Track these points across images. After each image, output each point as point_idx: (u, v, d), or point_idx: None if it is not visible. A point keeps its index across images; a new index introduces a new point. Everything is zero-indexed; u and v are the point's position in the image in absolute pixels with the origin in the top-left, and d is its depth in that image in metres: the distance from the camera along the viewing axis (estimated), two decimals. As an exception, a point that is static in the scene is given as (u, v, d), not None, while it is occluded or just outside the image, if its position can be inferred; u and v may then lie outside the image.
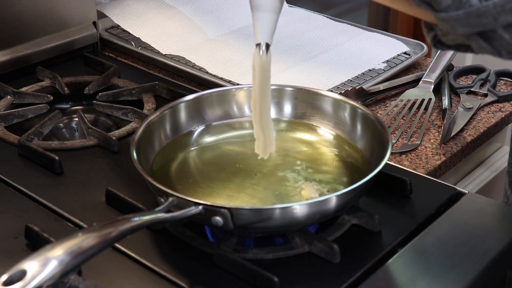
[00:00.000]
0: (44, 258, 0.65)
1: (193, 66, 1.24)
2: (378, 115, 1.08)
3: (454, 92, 1.21)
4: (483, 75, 1.24)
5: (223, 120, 0.98)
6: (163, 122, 0.94)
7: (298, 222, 0.78)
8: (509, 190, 1.02)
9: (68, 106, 1.14)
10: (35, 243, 0.79)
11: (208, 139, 0.96)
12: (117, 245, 0.80)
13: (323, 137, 0.96)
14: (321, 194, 0.85)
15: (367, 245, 0.82)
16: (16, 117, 1.06)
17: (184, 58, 1.26)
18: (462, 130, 1.10)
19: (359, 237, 0.82)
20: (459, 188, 0.91)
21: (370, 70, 1.24)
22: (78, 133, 1.11)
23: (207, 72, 1.22)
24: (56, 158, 0.94)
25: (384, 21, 2.47)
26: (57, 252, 0.65)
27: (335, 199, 0.78)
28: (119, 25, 1.35)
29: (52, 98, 1.10)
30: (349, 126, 0.95)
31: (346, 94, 1.12)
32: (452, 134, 1.08)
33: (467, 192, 0.90)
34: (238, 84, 1.15)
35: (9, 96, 1.11)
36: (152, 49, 1.29)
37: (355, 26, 1.38)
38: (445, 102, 1.15)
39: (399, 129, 1.09)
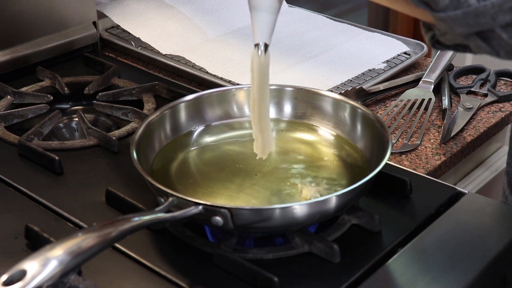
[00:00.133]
0: (44, 258, 0.65)
1: (193, 66, 1.24)
2: (378, 115, 1.08)
3: (454, 92, 1.21)
4: (483, 75, 1.24)
5: (223, 120, 0.98)
6: (163, 122, 0.94)
7: (298, 222, 0.78)
8: (507, 189, 1.02)
9: (68, 106, 1.14)
10: (35, 243, 0.79)
11: (208, 139, 0.96)
12: (117, 245, 0.80)
13: (323, 137, 0.96)
14: (321, 194, 0.85)
15: (367, 245, 0.82)
16: (16, 117, 1.06)
17: (184, 58, 1.26)
18: (462, 130, 1.10)
19: (359, 237, 0.82)
20: (459, 188, 0.91)
21: (370, 70, 1.24)
22: (78, 133, 1.11)
23: (207, 72, 1.22)
24: (56, 158, 0.94)
25: (384, 21, 2.47)
26: (57, 252, 0.65)
27: (335, 199, 0.78)
28: (119, 25, 1.35)
29: (52, 98, 1.10)
30: (349, 126, 0.95)
31: (346, 94, 1.12)
32: (452, 134, 1.08)
33: (467, 192, 0.90)
34: (238, 84, 1.15)
35: (9, 96, 1.11)
36: (152, 49, 1.29)
37: (355, 26, 1.38)
38: (445, 102, 1.15)
39: (399, 129, 1.09)
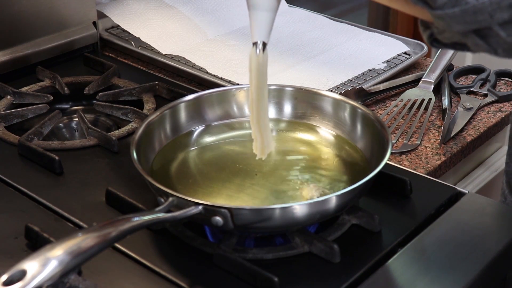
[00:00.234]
0: (44, 258, 0.65)
1: (193, 66, 1.24)
2: (378, 115, 1.08)
3: (454, 92, 1.21)
4: (483, 75, 1.24)
5: (223, 120, 0.98)
6: (163, 122, 0.94)
7: (298, 222, 0.78)
8: (506, 189, 1.02)
9: (68, 106, 1.14)
10: (35, 243, 0.79)
11: (208, 139, 0.96)
12: (117, 245, 0.80)
13: (323, 137, 0.96)
14: (321, 194, 0.85)
15: (367, 245, 0.82)
16: (16, 117, 1.06)
17: (184, 58, 1.26)
18: (462, 130, 1.10)
19: (359, 237, 0.82)
20: (459, 188, 0.91)
21: (370, 70, 1.24)
22: (78, 133, 1.11)
23: (207, 72, 1.22)
24: (56, 158, 0.94)
25: (384, 21, 2.47)
26: (57, 252, 0.65)
27: (335, 199, 0.78)
28: (119, 25, 1.35)
29: (52, 98, 1.10)
30: (349, 126, 0.95)
31: (346, 94, 1.12)
32: (452, 134, 1.08)
33: (467, 192, 0.90)
34: (238, 84, 1.15)
35: (9, 96, 1.11)
36: (152, 49, 1.29)
37: (355, 26, 1.38)
38: (445, 102, 1.15)
39: (399, 129, 1.09)
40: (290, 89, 0.99)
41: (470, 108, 1.15)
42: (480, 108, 1.16)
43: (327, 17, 1.42)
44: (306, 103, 0.98)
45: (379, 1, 0.75)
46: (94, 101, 1.10)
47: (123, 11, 1.36)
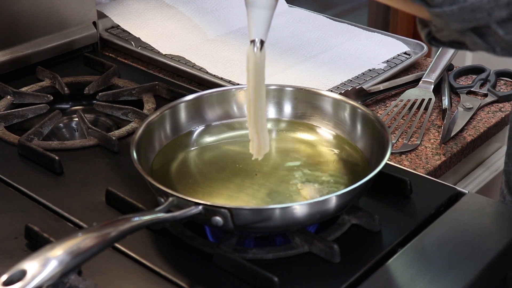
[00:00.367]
0: (44, 258, 0.65)
1: (193, 66, 1.24)
2: (378, 115, 1.08)
3: (454, 92, 1.21)
4: (483, 75, 1.24)
5: (223, 120, 0.98)
6: (163, 122, 0.94)
7: (298, 222, 0.78)
8: (505, 189, 1.02)
9: (68, 106, 1.14)
10: (35, 243, 0.79)
11: (208, 139, 0.96)
12: (117, 245, 0.80)
13: (323, 137, 0.96)
14: (321, 194, 0.85)
15: (367, 245, 0.82)
16: (16, 117, 1.06)
17: (184, 58, 1.26)
18: (462, 130, 1.10)
19: (359, 237, 0.82)
20: (459, 188, 0.91)
21: (370, 70, 1.24)
22: (78, 133, 1.11)
23: (207, 72, 1.22)
24: (56, 158, 0.94)
25: (384, 21, 2.47)
26: (57, 252, 0.65)
27: (335, 199, 0.78)
28: (119, 25, 1.35)
29: (52, 98, 1.10)
30: (349, 126, 0.95)
31: (346, 94, 1.12)
32: (452, 134, 1.08)
33: (467, 192, 0.90)
34: (238, 84, 1.15)
35: (9, 96, 1.11)
36: (152, 49, 1.29)
37: (355, 26, 1.38)
38: (445, 102, 1.15)
39: (399, 129, 1.09)
40: (290, 89, 0.99)
41: (470, 108, 1.15)
42: (480, 108, 1.16)
43: (327, 17, 1.42)
44: (306, 103, 0.98)
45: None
46: (94, 101, 1.10)
47: (123, 11, 1.36)
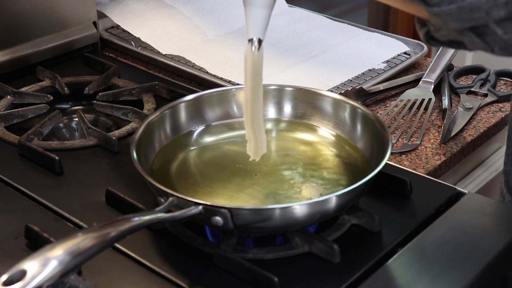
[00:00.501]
0: (44, 258, 0.65)
1: (193, 66, 1.24)
2: (378, 115, 1.08)
3: (454, 92, 1.21)
4: (483, 75, 1.24)
5: (223, 120, 0.98)
6: (163, 122, 0.94)
7: (298, 222, 0.78)
8: (505, 189, 1.02)
9: (68, 106, 1.14)
10: (35, 243, 0.79)
11: (208, 139, 0.96)
12: (117, 245, 0.80)
13: (323, 137, 0.96)
14: (321, 194, 0.85)
15: (367, 245, 0.82)
16: (16, 117, 1.06)
17: (184, 58, 1.26)
18: (462, 130, 1.10)
19: (359, 237, 0.82)
20: (459, 188, 0.91)
21: (370, 70, 1.24)
22: (78, 133, 1.11)
23: (207, 72, 1.22)
24: (56, 158, 0.94)
25: (384, 21, 2.47)
26: (57, 252, 0.65)
27: (335, 199, 0.78)
28: (119, 25, 1.35)
29: (52, 98, 1.10)
30: (349, 126, 0.95)
31: (346, 94, 1.12)
32: (452, 134, 1.08)
33: (467, 192, 0.90)
34: (238, 84, 1.15)
35: (9, 96, 1.11)
36: (152, 49, 1.29)
37: (355, 26, 1.38)
38: (445, 102, 1.15)
39: (399, 129, 1.09)
40: (290, 89, 0.99)
41: (470, 108, 1.15)
42: (480, 108, 1.16)
43: (327, 17, 1.42)
44: (306, 103, 0.98)
45: None
46: (94, 101, 1.10)
47: (123, 11, 1.36)
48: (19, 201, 0.89)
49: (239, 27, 1.36)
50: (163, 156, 0.92)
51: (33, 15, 1.20)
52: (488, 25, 0.65)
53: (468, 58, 2.22)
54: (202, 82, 1.21)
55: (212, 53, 1.27)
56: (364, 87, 1.16)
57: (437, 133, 1.09)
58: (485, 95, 1.19)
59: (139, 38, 1.31)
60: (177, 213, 0.76)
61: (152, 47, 1.29)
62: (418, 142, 1.06)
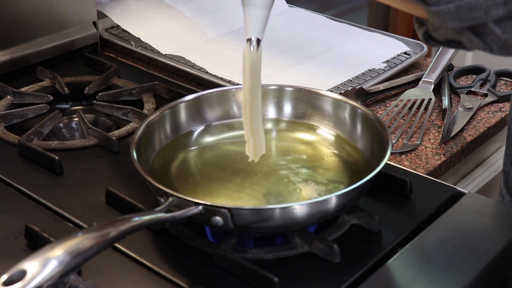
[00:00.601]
0: (44, 258, 0.65)
1: (193, 66, 1.24)
2: (378, 115, 1.08)
3: (454, 92, 1.21)
4: (483, 75, 1.24)
5: (223, 120, 0.98)
6: (163, 122, 0.94)
7: (298, 222, 0.78)
8: (504, 189, 1.02)
9: (68, 106, 1.14)
10: (35, 243, 0.79)
11: (208, 139, 0.96)
12: (117, 245, 0.80)
13: (323, 137, 0.96)
14: (320, 194, 0.85)
15: (367, 245, 0.82)
16: (16, 117, 1.06)
17: (184, 58, 1.26)
18: (462, 130, 1.10)
19: (359, 237, 0.82)
20: (459, 188, 0.91)
21: (370, 70, 1.24)
22: (78, 133, 1.11)
23: (207, 72, 1.22)
24: (56, 158, 0.94)
25: (384, 21, 2.47)
26: (57, 252, 0.65)
27: (335, 199, 0.78)
28: (119, 25, 1.35)
29: (52, 98, 1.10)
30: (349, 126, 0.95)
31: (346, 94, 1.12)
32: (452, 134, 1.08)
33: (467, 192, 0.90)
34: (238, 84, 1.15)
35: (9, 96, 1.11)
36: (152, 49, 1.29)
37: (355, 26, 1.38)
38: (445, 102, 1.15)
39: (399, 129, 1.09)
40: (290, 89, 0.99)
41: (470, 108, 1.15)
42: (480, 108, 1.16)
43: (327, 17, 1.42)
44: (306, 103, 0.98)
45: None
46: (94, 101, 1.10)
47: (123, 11, 1.36)
48: (19, 201, 0.89)
49: (239, 27, 1.36)
50: (163, 156, 0.92)
51: (33, 15, 1.20)
52: (486, 24, 0.65)
53: (468, 58, 2.22)
54: (202, 82, 1.21)
55: (212, 53, 1.27)
56: (364, 87, 1.16)
57: (437, 133, 1.09)
58: (485, 95, 1.19)
59: (139, 38, 1.31)
60: (177, 213, 0.76)
61: (152, 47, 1.29)
62: (418, 142, 1.06)
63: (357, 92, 1.15)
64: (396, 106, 1.15)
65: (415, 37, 1.31)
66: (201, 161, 0.93)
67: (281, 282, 0.73)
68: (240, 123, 0.97)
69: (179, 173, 0.90)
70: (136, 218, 0.73)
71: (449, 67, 1.25)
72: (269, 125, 0.97)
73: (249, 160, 0.84)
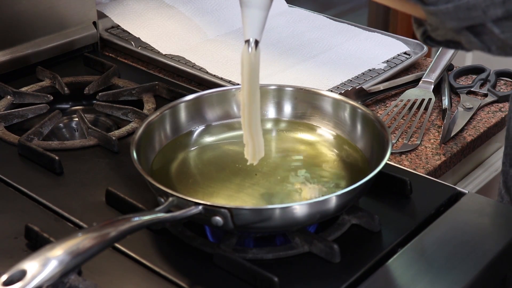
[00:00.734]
0: (44, 258, 0.65)
1: (193, 66, 1.24)
2: (378, 115, 1.08)
3: (454, 92, 1.21)
4: (483, 75, 1.24)
5: (223, 120, 0.98)
6: (163, 122, 0.94)
7: (298, 222, 0.78)
8: (503, 189, 1.01)
9: (68, 106, 1.14)
10: (35, 243, 0.79)
11: (208, 139, 0.96)
12: (117, 245, 0.80)
13: (323, 137, 0.96)
14: (321, 194, 0.85)
15: (367, 245, 0.82)
16: (16, 117, 1.06)
17: (184, 58, 1.26)
18: (462, 130, 1.10)
19: (359, 237, 0.82)
20: (459, 188, 0.91)
21: (370, 70, 1.24)
22: (78, 133, 1.11)
23: (207, 72, 1.22)
24: (56, 158, 0.94)
25: (384, 21, 2.47)
26: (57, 252, 0.65)
27: (335, 199, 0.78)
28: (119, 25, 1.35)
29: (52, 98, 1.10)
30: (349, 126, 0.95)
31: (346, 94, 1.12)
32: (452, 134, 1.08)
33: (467, 192, 0.90)
34: (238, 84, 1.15)
35: (9, 96, 1.11)
36: (152, 49, 1.29)
37: (355, 26, 1.38)
38: (445, 102, 1.15)
39: (399, 129, 1.09)
40: (290, 89, 0.99)
41: (470, 108, 1.15)
42: (480, 108, 1.16)
43: (327, 17, 1.42)
44: (306, 103, 0.98)
45: None
46: (94, 101, 1.10)
47: (123, 11, 1.36)
48: (19, 201, 0.89)
49: (239, 27, 1.36)
50: (163, 156, 0.92)
51: (33, 15, 1.20)
52: (485, 24, 0.64)
53: (468, 58, 2.22)
54: (202, 82, 1.21)
55: (212, 53, 1.27)
56: (364, 87, 1.16)
57: (437, 133, 1.09)
58: (485, 95, 1.19)
59: (139, 38, 1.31)
60: (177, 213, 0.76)
61: (152, 47, 1.29)
62: (418, 142, 1.06)
63: (357, 92, 1.15)
64: (396, 106, 1.15)
65: (415, 37, 1.31)
66: (201, 161, 0.93)
67: (281, 282, 0.73)
68: (240, 123, 0.97)
69: (179, 173, 0.90)
70: (136, 218, 0.73)
71: (449, 67, 1.25)
72: (269, 125, 0.98)
73: (248, 163, 0.84)
